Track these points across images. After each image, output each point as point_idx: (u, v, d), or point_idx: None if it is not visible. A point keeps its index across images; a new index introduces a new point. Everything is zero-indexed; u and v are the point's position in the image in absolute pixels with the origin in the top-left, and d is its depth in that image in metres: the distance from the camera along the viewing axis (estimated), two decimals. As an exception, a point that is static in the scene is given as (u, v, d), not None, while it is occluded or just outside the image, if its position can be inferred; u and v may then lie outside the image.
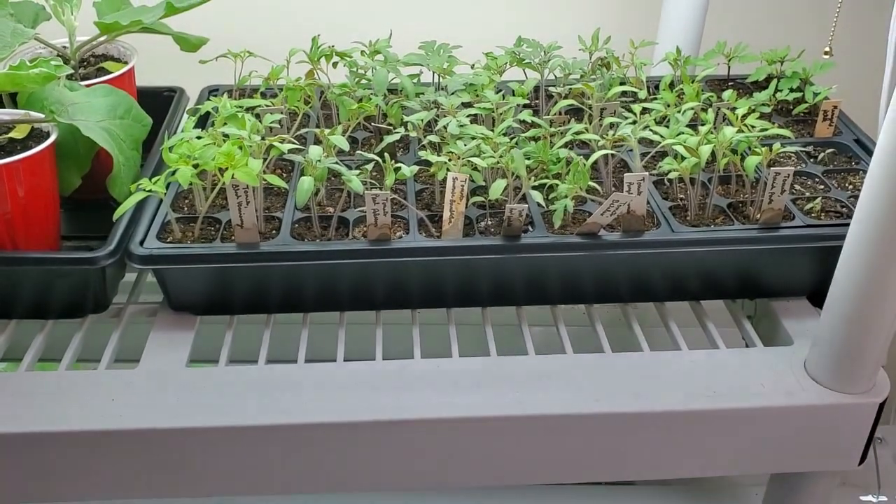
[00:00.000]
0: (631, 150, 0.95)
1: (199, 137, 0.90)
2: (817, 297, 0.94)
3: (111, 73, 1.04)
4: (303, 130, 0.98)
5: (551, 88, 1.06)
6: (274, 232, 0.89)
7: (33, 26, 1.05)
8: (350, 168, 0.97)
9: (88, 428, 0.78)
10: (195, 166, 0.85)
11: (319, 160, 0.87)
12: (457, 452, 0.82)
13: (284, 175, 1.01)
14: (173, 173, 0.85)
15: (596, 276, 0.91)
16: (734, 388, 0.83)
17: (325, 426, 0.80)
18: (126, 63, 1.08)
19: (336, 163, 0.89)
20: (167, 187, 0.93)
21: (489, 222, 0.92)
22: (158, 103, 1.16)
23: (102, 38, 1.07)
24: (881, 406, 0.83)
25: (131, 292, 0.97)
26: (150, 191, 0.85)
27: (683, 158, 0.90)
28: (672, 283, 0.92)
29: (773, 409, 0.81)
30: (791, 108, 1.12)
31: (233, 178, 0.82)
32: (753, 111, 0.99)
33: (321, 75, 1.10)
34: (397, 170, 0.90)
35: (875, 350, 0.79)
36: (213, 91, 1.19)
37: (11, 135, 0.91)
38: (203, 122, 1.06)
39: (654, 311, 0.95)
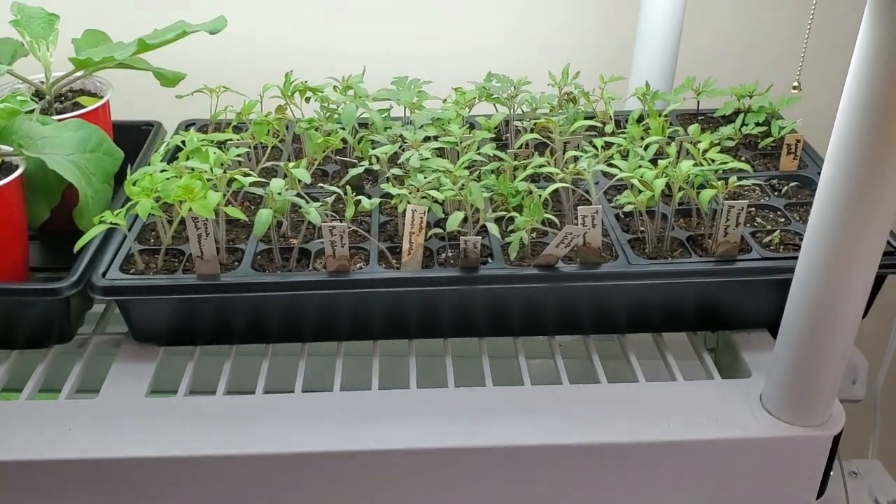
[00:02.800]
0: (597, 183, 0.96)
1: (164, 171, 0.92)
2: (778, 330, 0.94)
3: (85, 107, 1.06)
4: (268, 163, 1.00)
5: (517, 123, 1.07)
6: (236, 263, 0.91)
7: (11, 62, 1.07)
8: (317, 200, 0.99)
9: (42, 457, 0.78)
10: (157, 199, 0.86)
11: (280, 193, 0.89)
12: (408, 483, 0.82)
13: (253, 207, 1.02)
14: (136, 206, 0.86)
15: (555, 308, 0.92)
16: (688, 421, 0.83)
17: (279, 457, 0.80)
18: (102, 98, 1.11)
19: (298, 195, 0.91)
20: (134, 220, 0.95)
21: (449, 254, 0.93)
22: (136, 137, 1.19)
23: (78, 74, 1.10)
24: (836, 438, 0.82)
25: (98, 323, 0.98)
26: (111, 223, 0.86)
27: (641, 191, 0.91)
28: (631, 315, 0.93)
29: (727, 442, 0.81)
30: (758, 141, 1.13)
31: (191, 210, 0.83)
32: (716, 145, 1.00)
33: (295, 110, 1.12)
34: (358, 202, 0.91)
35: (827, 382, 0.80)
36: (189, 125, 1.21)
37: (-18, 168, 0.93)
38: (174, 155, 1.08)
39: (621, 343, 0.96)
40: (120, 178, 1.05)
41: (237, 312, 0.90)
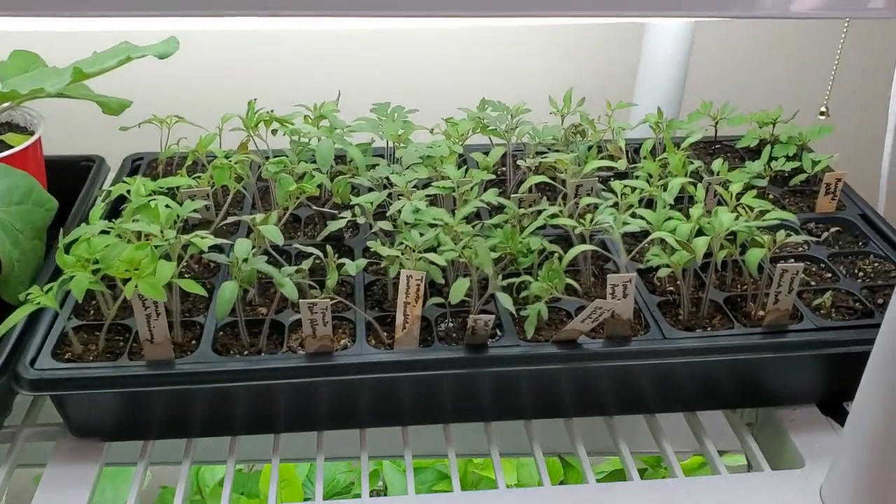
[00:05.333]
0: (611, 236, 0.83)
1: (106, 231, 0.76)
2: (830, 405, 0.81)
3: (11, 147, 0.90)
4: (230, 219, 0.84)
5: (520, 161, 0.93)
6: (194, 342, 0.75)
7: (-82, 93, 0.90)
8: (291, 256, 0.84)
9: None
10: (96, 271, 0.71)
11: (246, 259, 0.73)
12: None
13: (213, 266, 0.87)
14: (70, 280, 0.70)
15: (575, 388, 0.78)
16: (742, 529, 0.70)
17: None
18: (31, 133, 0.94)
19: (268, 260, 0.76)
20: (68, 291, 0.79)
21: (450, 324, 0.78)
22: (75, 174, 1.03)
23: (4, 106, 0.93)
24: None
25: (28, 412, 0.82)
26: (40, 303, 0.70)
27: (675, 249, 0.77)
28: (663, 393, 0.80)
29: (790, 555, 0.69)
30: (787, 176, 1.00)
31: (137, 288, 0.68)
32: (750, 188, 0.87)
33: (259, 143, 0.97)
34: (341, 266, 0.77)
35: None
36: (137, 160, 1.05)
37: None
38: (118, 205, 0.91)
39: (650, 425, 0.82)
40: (58, 223, 0.89)
41: (197, 403, 0.75)
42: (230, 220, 0.82)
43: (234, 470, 0.76)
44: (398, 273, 0.75)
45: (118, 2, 0.44)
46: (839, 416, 0.81)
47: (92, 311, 0.80)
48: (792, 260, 0.87)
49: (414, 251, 0.77)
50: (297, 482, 1.24)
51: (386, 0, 0.45)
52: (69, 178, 1.01)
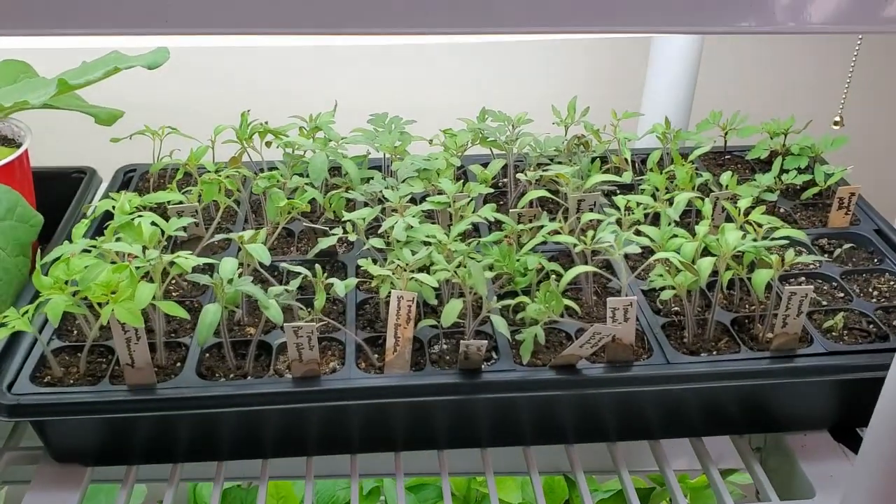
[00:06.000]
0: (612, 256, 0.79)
1: (88, 249, 0.74)
2: (841, 430, 0.78)
3: (-3, 160, 0.88)
4: (218, 237, 0.81)
5: (520, 175, 0.90)
6: (178, 365, 0.73)
7: None
8: (279, 276, 0.81)
9: None
10: (75, 293, 0.68)
11: (231, 280, 0.71)
12: None
13: (202, 283, 0.84)
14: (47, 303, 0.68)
15: (574, 414, 0.75)
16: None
17: None
18: (19, 145, 0.92)
19: (256, 279, 0.73)
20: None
21: (444, 346, 0.75)
22: (66, 186, 1.01)
23: (-10, 118, 0.91)
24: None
25: (10, 436, 0.79)
26: (16, 328, 0.68)
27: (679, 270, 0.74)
28: (666, 419, 0.76)
29: None
30: (799, 188, 0.97)
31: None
32: (760, 202, 0.84)
33: (253, 155, 0.94)
34: (330, 286, 0.74)
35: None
36: (129, 172, 1.03)
37: None
38: (107, 220, 0.89)
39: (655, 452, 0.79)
40: (48, 236, 0.87)
41: (181, 428, 0.73)
42: (218, 237, 0.80)
43: (220, 493, 0.73)
44: (390, 292, 0.73)
45: (112, 20, 0.41)
46: (853, 442, 0.77)
47: (75, 332, 0.77)
48: (802, 279, 0.83)
49: (405, 270, 0.74)
50: (295, 500, 1.22)
51: (373, 18, 0.42)
52: (60, 190, 0.99)
